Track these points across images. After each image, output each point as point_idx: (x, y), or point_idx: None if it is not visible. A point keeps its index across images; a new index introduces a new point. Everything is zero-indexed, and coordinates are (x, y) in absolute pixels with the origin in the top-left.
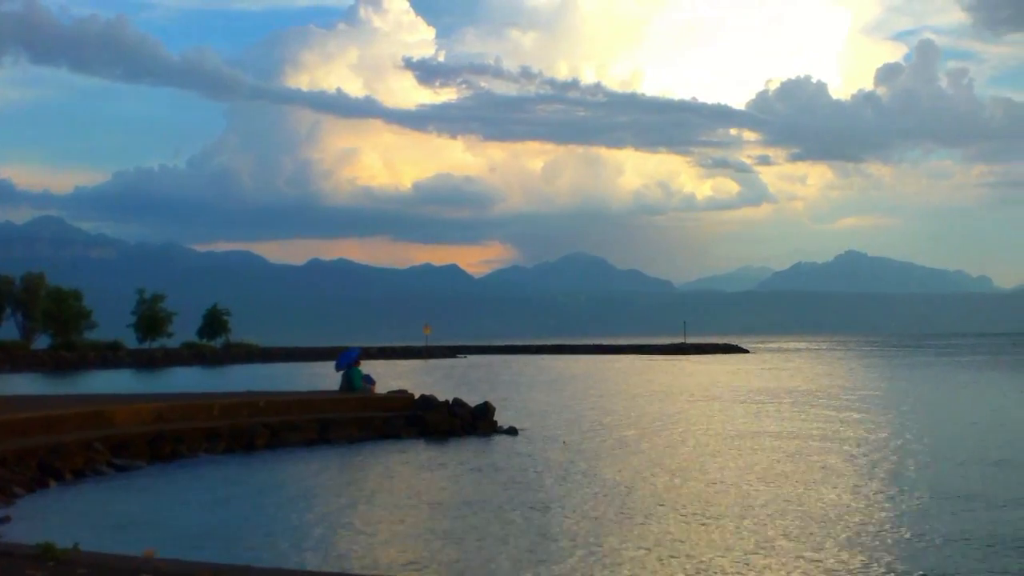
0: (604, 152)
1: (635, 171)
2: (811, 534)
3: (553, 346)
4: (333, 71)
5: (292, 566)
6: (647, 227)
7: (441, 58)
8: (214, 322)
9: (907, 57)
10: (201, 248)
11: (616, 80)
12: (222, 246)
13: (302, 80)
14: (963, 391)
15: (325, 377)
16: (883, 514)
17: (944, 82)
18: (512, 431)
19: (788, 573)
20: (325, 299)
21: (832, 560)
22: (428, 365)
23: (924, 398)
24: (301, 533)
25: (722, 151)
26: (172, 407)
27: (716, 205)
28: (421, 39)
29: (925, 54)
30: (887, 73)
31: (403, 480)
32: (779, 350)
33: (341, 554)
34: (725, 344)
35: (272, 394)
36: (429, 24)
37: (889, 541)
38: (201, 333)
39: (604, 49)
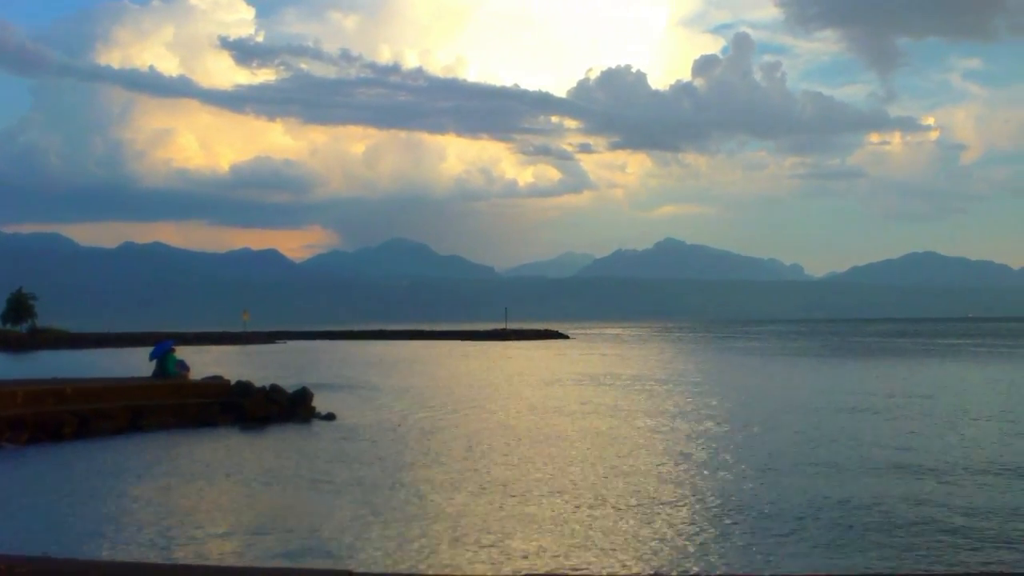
0: (426, 137)
1: (457, 157)
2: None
3: (374, 332)
4: (147, 49)
5: (100, 557)
6: (469, 213)
7: (260, 39)
8: (19, 307)
9: (724, 50)
10: (5, 230)
11: (439, 65)
12: (28, 228)
13: (114, 57)
14: (766, 373)
15: (138, 364)
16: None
17: (758, 75)
18: (331, 416)
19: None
20: (139, 284)
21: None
22: (246, 351)
23: (727, 379)
24: (108, 523)
25: (544, 138)
26: None
27: (538, 192)
28: (240, 18)
29: (741, 47)
30: (704, 65)
31: (218, 467)
32: (598, 336)
33: (148, 542)
34: (546, 330)
35: (81, 381)
36: (248, 4)
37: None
38: (4, 318)
39: (427, 34)
